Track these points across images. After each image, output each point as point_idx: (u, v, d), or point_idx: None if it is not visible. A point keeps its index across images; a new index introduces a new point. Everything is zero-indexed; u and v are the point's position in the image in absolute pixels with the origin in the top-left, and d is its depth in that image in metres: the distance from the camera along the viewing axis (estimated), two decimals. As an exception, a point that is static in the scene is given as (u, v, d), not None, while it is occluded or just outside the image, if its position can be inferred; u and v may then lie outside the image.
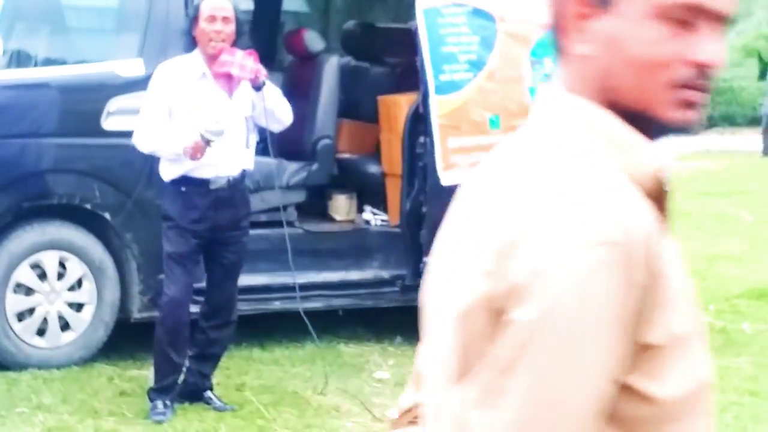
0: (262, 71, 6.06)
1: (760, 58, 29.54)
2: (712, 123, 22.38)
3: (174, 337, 6.17)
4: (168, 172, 6.14)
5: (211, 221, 6.12)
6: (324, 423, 6.19)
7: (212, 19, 6.04)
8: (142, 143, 6.15)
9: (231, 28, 6.08)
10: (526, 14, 7.98)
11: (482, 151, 7.77)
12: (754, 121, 25.26)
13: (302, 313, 6.53)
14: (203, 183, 6.09)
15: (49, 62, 7.27)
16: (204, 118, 5.91)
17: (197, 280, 6.33)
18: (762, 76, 27.41)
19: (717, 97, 25.32)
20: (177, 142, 5.95)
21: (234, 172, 6.16)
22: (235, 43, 6.10)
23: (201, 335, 6.38)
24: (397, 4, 9.19)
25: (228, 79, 6.03)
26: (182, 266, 6.13)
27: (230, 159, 6.12)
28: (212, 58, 6.05)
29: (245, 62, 5.99)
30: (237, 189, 6.21)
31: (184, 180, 6.08)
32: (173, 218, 6.12)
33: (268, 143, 6.54)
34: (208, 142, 5.89)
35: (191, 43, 6.15)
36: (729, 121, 27.24)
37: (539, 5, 8.02)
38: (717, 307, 8.96)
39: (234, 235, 6.25)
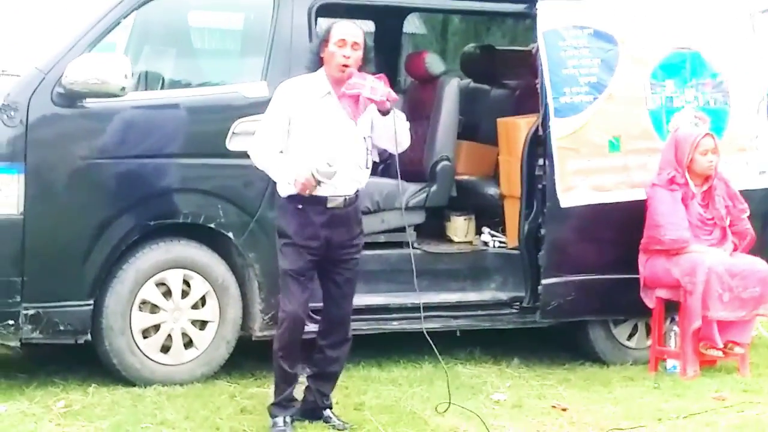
0: (392, 95, 6.06)
1: None
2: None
3: (290, 351, 6.20)
4: (286, 188, 6.16)
5: (326, 239, 6.14)
6: (442, 444, 6.21)
7: (343, 43, 6.08)
8: (256, 158, 6.21)
9: (359, 53, 6.11)
10: (647, 36, 7.95)
11: (601, 174, 7.76)
12: None
13: (425, 333, 6.53)
14: (320, 201, 6.10)
15: (175, 84, 7.40)
16: (318, 157, 5.95)
17: (314, 297, 6.37)
18: None
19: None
20: (289, 172, 6.02)
21: (350, 191, 6.18)
22: (361, 70, 6.12)
23: (319, 354, 6.41)
24: (516, 27, 9.20)
25: (355, 101, 6.05)
26: (298, 282, 6.14)
27: (348, 178, 6.14)
28: (337, 81, 6.09)
29: (376, 85, 5.98)
30: (352, 207, 6.22)
31: (302, 198, 6.09)
32: (289, 235, 6.14)
33: (388, 164, 6.55)
34: (318, 182, 5.96)
35: (317, 63, 6.18)
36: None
37: (660, 28, 7.98)
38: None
39: (348, 253, 6.26)
